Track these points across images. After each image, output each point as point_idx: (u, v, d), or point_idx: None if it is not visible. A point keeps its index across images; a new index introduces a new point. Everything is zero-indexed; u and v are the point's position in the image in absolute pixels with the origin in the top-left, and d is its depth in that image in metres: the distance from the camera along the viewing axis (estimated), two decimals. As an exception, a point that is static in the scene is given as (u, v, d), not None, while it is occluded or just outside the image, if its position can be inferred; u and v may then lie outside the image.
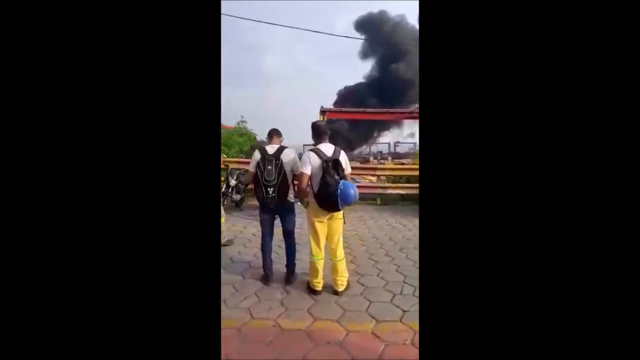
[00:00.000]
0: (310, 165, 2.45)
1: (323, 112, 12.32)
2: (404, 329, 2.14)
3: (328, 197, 2.33)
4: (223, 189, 5.31)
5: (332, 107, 12.62)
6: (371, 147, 26.72)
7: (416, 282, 2.77)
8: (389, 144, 25.52)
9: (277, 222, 2.89)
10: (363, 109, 12.84)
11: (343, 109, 12.73)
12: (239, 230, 4.64)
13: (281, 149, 2.74)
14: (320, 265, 2.61)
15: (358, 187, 3.00)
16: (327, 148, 2.53)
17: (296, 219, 2.94)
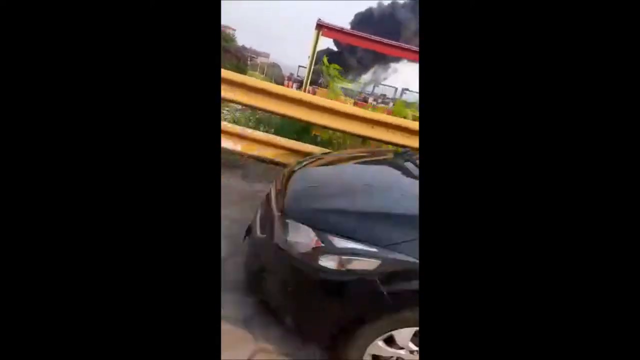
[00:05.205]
0: None
1: (319, 26, 10.16)
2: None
3: None
4: None
5: (333, 25, 10.30)
6: (375, 87, 23.96)
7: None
8: (396, 89, 22.81)
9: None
10: (368, 35, 10.57)
11: (344, 29, 10.54)
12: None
13: None
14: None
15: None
16: None
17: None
